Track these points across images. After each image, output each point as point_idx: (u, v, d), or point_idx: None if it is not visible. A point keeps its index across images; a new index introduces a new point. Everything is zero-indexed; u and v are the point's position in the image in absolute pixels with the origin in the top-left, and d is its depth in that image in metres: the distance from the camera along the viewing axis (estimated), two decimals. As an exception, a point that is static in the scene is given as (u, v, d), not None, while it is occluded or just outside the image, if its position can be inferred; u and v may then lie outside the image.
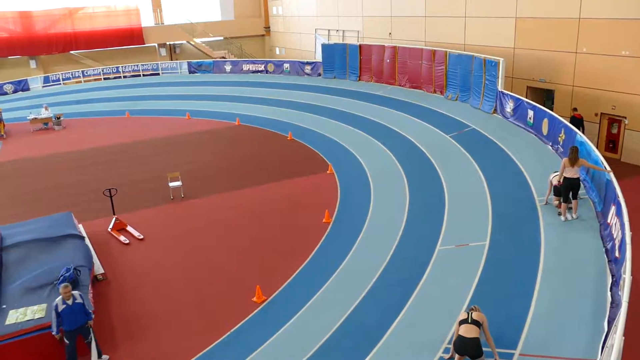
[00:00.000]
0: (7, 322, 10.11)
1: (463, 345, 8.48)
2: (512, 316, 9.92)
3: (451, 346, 8.89)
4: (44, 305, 10.59)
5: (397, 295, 11.29)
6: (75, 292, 9.90)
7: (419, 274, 12.02)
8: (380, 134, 23.68)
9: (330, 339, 10.16)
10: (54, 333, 9.73)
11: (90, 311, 10.16)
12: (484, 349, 8.63)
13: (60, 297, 9.75)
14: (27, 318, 10.21)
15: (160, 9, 47.77)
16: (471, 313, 8.85)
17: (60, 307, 9.65)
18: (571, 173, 12.91)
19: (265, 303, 11.67)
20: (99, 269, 13.42)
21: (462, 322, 8.76)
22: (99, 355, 10.08)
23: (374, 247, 13.74)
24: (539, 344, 9.03)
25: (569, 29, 22.66)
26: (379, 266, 12.67)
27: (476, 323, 8.65)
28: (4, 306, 10.70)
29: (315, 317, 10.97)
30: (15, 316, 10.29)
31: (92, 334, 10.01)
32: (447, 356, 9.06)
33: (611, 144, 21.94)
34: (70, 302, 9.70)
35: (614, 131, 21.79)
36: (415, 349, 9.48)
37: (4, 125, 29.12)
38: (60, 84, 42.28)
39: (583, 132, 15.90)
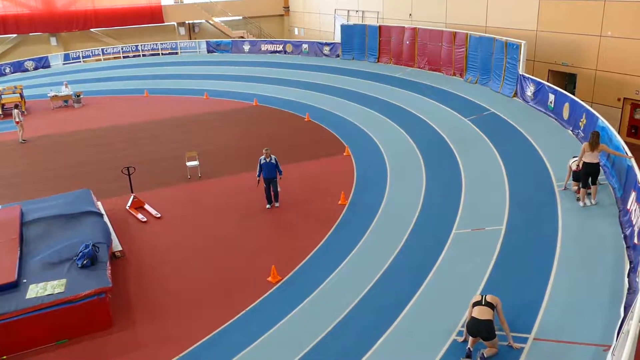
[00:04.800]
0: (27, 297, 10.30)
1: (476, 326, 8.48)
2: (527, 301, 9.89)
3: (464, 328, 8.90)
4: (64, 281, 10.77)
5: (412, 278, 11.30)
6: (272, 156, 15.27)
7: (434, 257, 12.01)
8: (398, 116, 23.53)
9: (344, 320, 10.22)
10: (257, 177, 15.40)
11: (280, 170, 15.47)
12: (498, 332, 8.63)
13: (263, 156, 15.17)
14: (47, 293, 10.39)
15: (179, -12, 47.77)
16: (485, 295, 8.84)
17: (262, 162, 15.13)
18: (591, 158, 12.75)
19: (280, 283, 11.76)
20: (117, 246, 13.60)
21: (475, 304, 8.76)
22: (276, 200, 15.72)
23: (390, 229, 13.73)
24: (554, 328, 9.00)
25: (593, 12, 22.20)
26: (394, 249, 12.68)
27: (490, 305, 8.64)
28: (25, 280, 10.91)
29: (329, 298, 11.04)
30: (36, 290, 10.48)
31: (278, 187, 15.51)
32: (460, 339, 9.08)
33: (633, 130, 21.59)
34: (268, 160, 15.08)
35: (637, 116, 21.43)
36: (428, 331, 9.51)
37: (24, 102, 29.42)
38: (80, 61, 42.57)
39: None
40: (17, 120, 23.43)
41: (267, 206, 15.77)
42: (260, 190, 15.79)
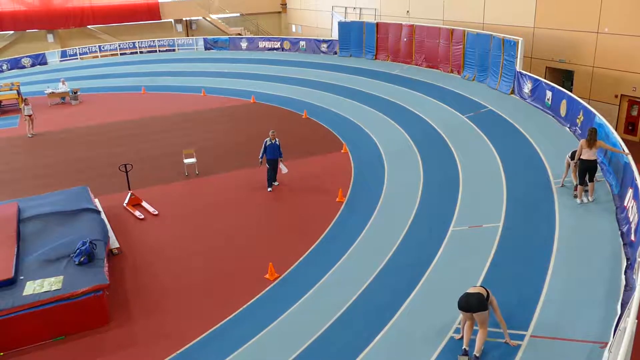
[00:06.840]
0: (24, 293, 10.28)
1: (466, 300, 8.42)
2: (524, 298, 9.89)
3: (460, 325, 8.86)
4: (61, 277, 10.75)
5: (409, 276, 11.30)
6: (276, 138, 16.34)
7: (432, 255, 12.01)
8: (395, 113, 23.52)
9: (342, 317, 10.21)
10: (259, 158, 16.53)
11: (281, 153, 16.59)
12: (494, 330, 8.63)
13: (268, 137, 16.26)
14: (44, 289, 10.37)
15: (176, -15, 47.67)
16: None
17: (268, 144, 16.22)
18: (588, 155, 12.76)
19: (277, 280, 11.75)
20: (114, 243, 13.58)
21: None
22: (274, 179, 16.85)
23: (387, 226, 13.73)
24: (551, 326, 9.01)
25: (590, 9, 22.21)
26: (392, 246, 12.68)
27: (482, 288, 8.63)
28: (22, 277, 10.88)
29: (326, 295, 11.03)
30: (33, 287, 10.46)
31: (284, 167, 16.57)
32: (457, 336, 9.06)
33: (630, 127, 21.62)
34: (274, 142, 16.23)
35: (634, 113, 21.45)
36: (426, 329, 9.50)
37: (21, 99, 29.35)
38: (77, 58, 42.47)
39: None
40: (28, 114, 23.78)
41: (269, 189, 16.68)
42: (258, 186, 15.81)
